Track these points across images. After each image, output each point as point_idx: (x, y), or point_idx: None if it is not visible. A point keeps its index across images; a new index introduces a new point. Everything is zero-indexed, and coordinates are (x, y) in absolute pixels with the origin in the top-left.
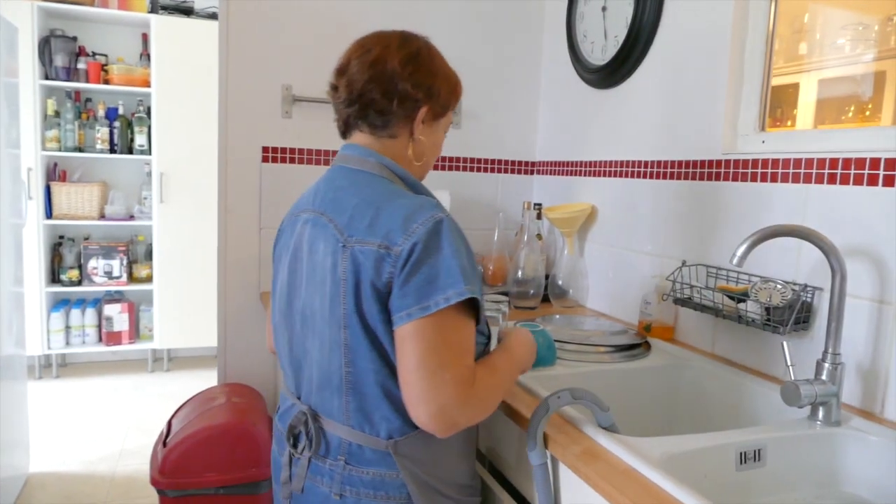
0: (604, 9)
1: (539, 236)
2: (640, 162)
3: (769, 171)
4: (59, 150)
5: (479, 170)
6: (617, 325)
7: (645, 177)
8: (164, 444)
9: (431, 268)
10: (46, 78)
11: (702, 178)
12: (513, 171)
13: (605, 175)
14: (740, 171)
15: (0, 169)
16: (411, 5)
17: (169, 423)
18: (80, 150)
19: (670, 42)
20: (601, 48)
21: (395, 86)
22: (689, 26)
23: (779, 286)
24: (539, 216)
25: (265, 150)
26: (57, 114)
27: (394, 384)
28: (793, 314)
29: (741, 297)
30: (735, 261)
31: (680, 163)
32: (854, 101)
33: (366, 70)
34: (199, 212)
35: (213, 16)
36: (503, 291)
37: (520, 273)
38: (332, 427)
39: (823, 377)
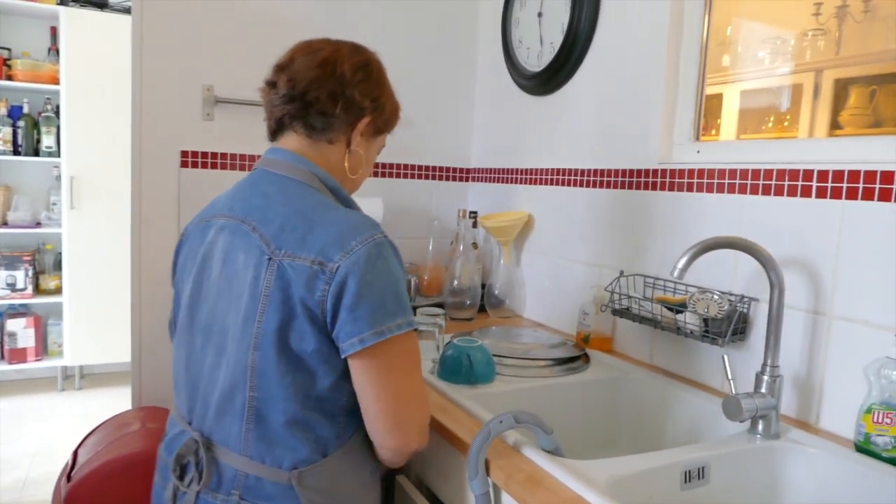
0: (539, 14)
1: (475, 245)
2: (576, 170)
3: (704, 181)
4: None
5: (413, 176)
6: (555, 337)
7: (581, 185)
8: (69, 479)
9: (378, 291)
10: None
11: (638, 188)
12: (448, 178)
13: (542, 183)
14: (676, 180)
15: None
16: (341, 5)
17: (75, 454)
18: None
19: (606, 49)
20: (537, 54)
21: (342, 90)
22: (625, 33)
23: (716, 297)
24: (475, 224)
25: (184, 154)
26: None
27: (306, 410)
28: (731, 325)
29: (679, 308)
30: (676, 273)
31: (616, 171)
32: (773, 112)
33: (313, 68)
34: (114, 218)
35: (130, 10)
36: (438, 303)
37: (455, 283)
38: (227, 457)
39: (763, 390)
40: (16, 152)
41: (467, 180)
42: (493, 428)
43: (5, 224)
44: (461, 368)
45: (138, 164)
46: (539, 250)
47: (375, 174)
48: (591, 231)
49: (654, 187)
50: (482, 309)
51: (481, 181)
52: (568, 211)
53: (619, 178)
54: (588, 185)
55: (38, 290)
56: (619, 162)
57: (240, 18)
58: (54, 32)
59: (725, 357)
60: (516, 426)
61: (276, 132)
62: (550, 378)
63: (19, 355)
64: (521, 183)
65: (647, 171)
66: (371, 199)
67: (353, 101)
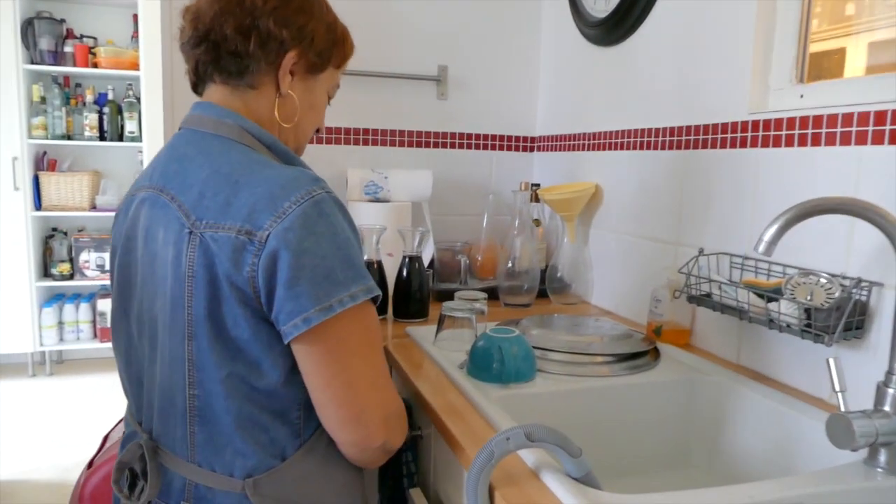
0: None
1: (537, 222)
2: (649, 130)
3: (810, 131)
4: (47, 137)
5: (468, 146)
6: (620, 328)
7: (656, 147)
8: (90, 465)
9: (322, 259)
10: (31, 62)
11: (724, 146)
12: (509, 149)
13: (609, 148)
14: (772, 133)
15: None
16: None
17: (104, 440)
18: (68, 137)
19: None
20: None
21: (252, 20)
22: None
23: (823, 281)
24: (535, 198)
25: None
26: (43, 100)
27: (255, 408)
28: (841, 318)
29: (773, 294)
30: (761, 248)
31: (697, 128)
32: None
33: (217, 1)
34: None
35: None
36: (492, 286)
37: (512, 264)
38: (174, 464)
39: (887, 407)
40: (102, 138)
41: (532, 150)
42: (496, 447)
43: (94, 208)
44: (491, 363)
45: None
46: (608, 226)
47: (425, 144)
48: (666, 201)
49: (743, 143)
50: (543, 294)
51: (547, 150)
52: (640, 179)
53: (700, 136)
54: (663, 147)
55: None
56: (701, 116)
57: None
58: (136, 20)
59: (832, 361)
60: (530, 446)
61: (196, 85)
62: (608, 378)
63: (110, 334)
64: (587, 150)
65: (734, 125)
66: (419, 172)
67: (270, 34)
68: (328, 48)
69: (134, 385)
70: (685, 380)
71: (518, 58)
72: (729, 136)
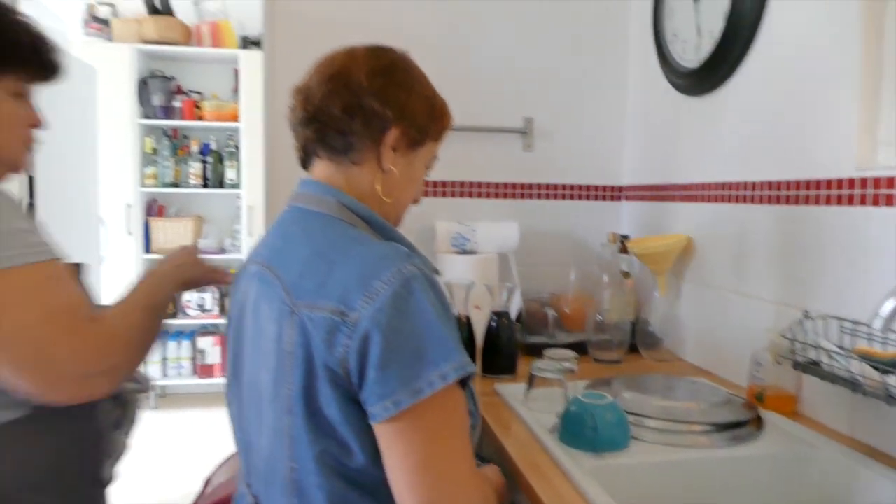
0: (696, 0)
1: (626, 274)
2: (745, 183)
3: None
4: (157, 186)
5: (555, 196)
6: (719, 392)
7: (753, 201)
8: None
9: (413, 339)
10: (145, 117)
11: (829, 203)
12: (596, 198)
13: (702, 200)
14: (883, 192)
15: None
16: (469, 12)
17: (206, 483)
18: (175, 185)
19: (779, 33)
20: (694, 47)
21: (358, 100)
22: (801, 15)
23: None
24: (624, 250)
25: None
26: (154, 151)
27: (346, 486)
28: None
29: (890, 369)
30: (878, 324)
31: (799, 183)
32: None
33: (326, 83)
34: None
35: None
36: (580, 341)
37: (601, 318)
38: None
39: None
40: (204, 185)
41: (619, 199)
42: None
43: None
44: (584, 430)
45: (272, 192)
46: (702, 281)
47: (511, 195)
48: (766, 258)
49: (851, 201)
50: (634, 349)
51: (635, 199)
52: (736, 233)
53: (803, 192)
54: (761, 201)
55: (223, 311)
56: (802, 171)
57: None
58: (237, 74)
59: None
60: None
61: (304, 161)
62: (708, 449)
63: (208, 371)
64: (677, 200)
65: (839, 182)
66: (505, 223)
67: (374, 112)
68: (428, 123)
69: (244, 449)
70: (792, 454)
71: (604, 106)
72: (835, 192)
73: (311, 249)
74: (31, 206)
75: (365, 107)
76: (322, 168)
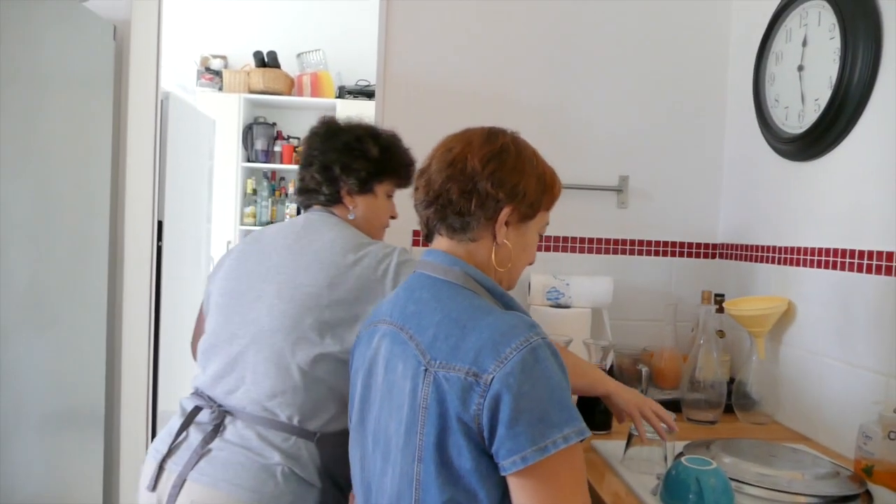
0: (800, 68)
1: (721, 333)
2: (855, 252)
3: None
4: (255, 224)
5: (648, 253)
6: (824, 463)
7: (863, 270)
8: None
9: (539, 402)
10: (248, 161)
11: None
12: (689, 255)
13: (805, 265)
14: None
15: (185, 242)
16: (569, 76)
17: None
18: (271, 223)
19: (889, 103)
20: (797, 114)
21: (473, 185)
22: None
23: None
24: (720, 309)
25: (416, 233)
26: (254, 192)
27: None
28: None
29: None
30: None
31: None
32: None
33: (444, 169)
34: None
35: None
36: (674, 398)
37: (696, 376)
38: None
39: None
40: None
41: (713, 256)
42: None
43: None
44: (688, 495)
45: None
46: (802, 346)
47: (605, 251)
48: (873, 328)
49: None
50: (728, 409)
51: (728, 258)
52: (844, 302)
53: None
54: (873, 272)
55: None
56: None
57: (475, 104)
58: None
59: None
60: None
61: (427, 235)
62: None
63: None
64: (776, 263)
65: None
66: (600, 278)
67: (488, 195)
68: (539, 197)
69: (364, 487)
70: None
71: (699, 165)
72: None
73: (442, 315)
74: (160, 248)
75: (480, 190)
76: (444, 242)
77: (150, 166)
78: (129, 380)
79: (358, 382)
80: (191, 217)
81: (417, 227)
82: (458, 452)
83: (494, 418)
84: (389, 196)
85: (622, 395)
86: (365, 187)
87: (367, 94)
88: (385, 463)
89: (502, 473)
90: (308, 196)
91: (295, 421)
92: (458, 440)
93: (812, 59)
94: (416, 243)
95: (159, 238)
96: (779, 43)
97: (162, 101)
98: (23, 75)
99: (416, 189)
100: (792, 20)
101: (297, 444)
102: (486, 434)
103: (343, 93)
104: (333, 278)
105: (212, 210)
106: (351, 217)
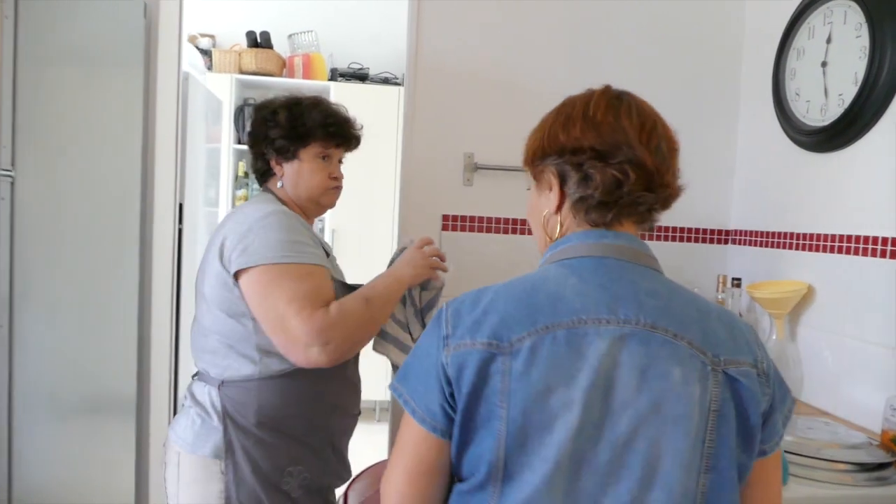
0: (824, 64)
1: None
2: (874, 238)
3: None
4: None
5: (664, 238)
6: (855, 435)
7: (882, 255)
8: None
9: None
10: (239, 143)
11: None
12: (702, 241)
13: (824, 250)
14: None
15: (197, 226)
16: (589, 64)
17: (345, 497)
18: None
19: None
20: (819, 108)
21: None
22: None
23: None
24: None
25: (445, 217)
26: (246, 175)
27: None
28: None
29: None
30: None
31: None
32: None
33: (672, 152)
34: (368, 269)
35: (386, 80)
36: None
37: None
38: None
39: None
40: None
41: (725, 242)
42: None
43: None
44: None
45: (405, 227)
46: (820, 326)
47: None
48: (893, 309)
49: None
50: None
51: (743, 244)
52: (862, 285)
53: None
54: (886, 256)
55: None
56: None
57: (499, 87)
58: None
59: None
60: None
61: (611, 221)
62: (852, 487)
63: None
64: (794, 248)
65: None
66: None
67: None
68: None
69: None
70: None
71: (712, 152)
72: None
73: (692, 307)
74: (181, 230)
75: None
76: (631, 227)
77: (173, 147)
78: (157, 364)
79: (572, 408)
80: (203, 200)
81: (446, 212)
82: (745, 451)
83: (772, 406)
84: (324, 158)
85: (408, 271)
86: (286, 154)
87: (359, 76)
88: (645, 490)
89: (760, 458)
90: (258, 177)
91: (211, 373)
92: (750, 438)
93: (836, 55)
94: (444, 227)
95: (180, 221)
96: (801, 39)
97: (182, 80)
98: (60, 55)
99: (626, 174)
100: (815, 18)
101: (208, 391)
102: (763, 425)
103: (335, 75)
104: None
105: (219, 193)
106: (279, 185)
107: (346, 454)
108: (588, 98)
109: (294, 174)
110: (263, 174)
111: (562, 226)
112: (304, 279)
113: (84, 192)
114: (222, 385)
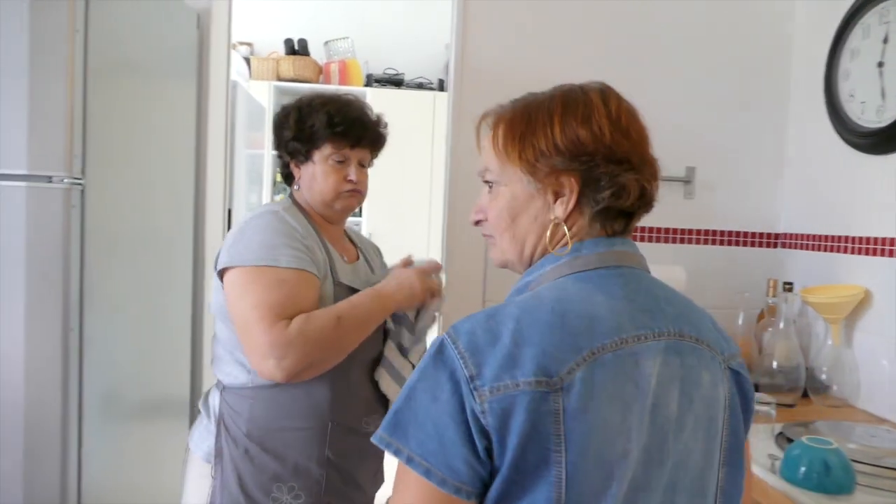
0: (880, 64)
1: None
2: None
3: None
4: None
5: (712, 242)
6: None
7: None
8: None
9: None
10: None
11: None
12: (750, 244)
13: (881, 254)
14: None
15: None
16: (636, 65)
17: None
18: None
19: None
20: (876, 109)
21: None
22: None
23: None
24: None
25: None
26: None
27: None
28: None
29: None
30: None
31: None
32: None
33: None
34: None
35: (421, 86)
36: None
37: (773, 361)
38: None
39: None
40: None
41: (774, 246)
42: None
43: None
44: (813, 474)
45: (453, 233)
46: (878, 332)
47: (675, 240)
48: None
49: None
50: (803, 394)
51: (793, 247)
52: None
53: None
54: None
55: None
56: None
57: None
58: None
59: None
60: None
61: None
62: None
63: None
64: (849, 252)
65: None
66: (672, 268)
67: None
68: None
69: None
70: None
71: (760, 154)
72: None
73: (689, 307)
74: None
75: None
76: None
77: (223, 154)
78: (209, 368)
79: (627, 435)
80: (245, 205)
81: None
82: (745, 438)
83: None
84: (339, 161)
85: (400, 292)
86: (300, 157)
87: (394, 82)
88: (681, 497)
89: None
90: (284, 181)
91: (219, 379)
92: (748, 425)
93: (894, 55)
94: None
95: (229, 226)
96: (854, 40)
97: (230, 89)
98: (123, 66)
99: (651, 185)
100: (870, 17)
101: (215, 396)
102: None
103: (371, 81)
104: None
105: (261, 199)
106: (296, 188)
107: (363, 475)
108: (602, 96)
109: (309, 178)
110: (286, 178)
111: (572, 235)
112: (275, 287)
113: (143, 199)
114: (224, 391)
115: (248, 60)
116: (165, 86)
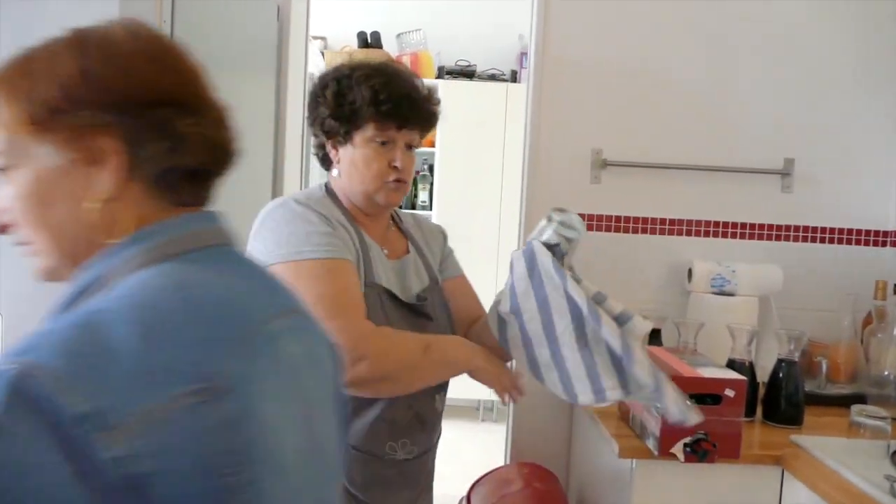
0: None
1: None
2: None
3: None
4: None
5: (813, 240)
6: None
7: None
8: None
9: None
10: None
11: None
12: (857, 243)
13: None
14: None
15: None
16: (728, 52)
17: (468, 499)
18: None
19: None
20: None
21: None
22: None
23: None
24: None
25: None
26: None
27: None
28: None
29: None
30: None
31: None
32: None
33: None
34: (476, 266)
35: (493, 77)
36: (856, 393)
37: (888, 372)
38: None
39: None
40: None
41: (884, 245)
42: None
43: None
44: None
45: (529, 226)
46: None
47: (771, 237)
48: None
49: None
50: None
51: None
52: None
53: None
54: None
55: None
56: None
57: (630, 81)
58: None
59: None
60: None
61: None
62: None
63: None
64: None
65: None
66: (768, 266)
67: None
68: None
69: None
70: None
71: (870, 149)
72: None
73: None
74: None
75: None
76: None
77: (300, 148)
78: None
79: (297, 426)
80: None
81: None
82: None
83: None
84: (382, 143)
85: (488, 369)
86: (337, 138)
87: (466, 74)
88: None
89: None
90: (321, 164)
91: None
92: None
93: None
94: None
95: None
96: None
97: (308, 81)
98: (209, 59)
99: (221, 132)
100: None
101: None
102: None
103: (443, 73)
104: None
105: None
106: (335, 174)
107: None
108: (128, 28)
109: (348, 163)
110: (323, 160)
111: (132, 217)
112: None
113: (228, 192)
114: None
115: (322, 54)
116: (247, 78)
